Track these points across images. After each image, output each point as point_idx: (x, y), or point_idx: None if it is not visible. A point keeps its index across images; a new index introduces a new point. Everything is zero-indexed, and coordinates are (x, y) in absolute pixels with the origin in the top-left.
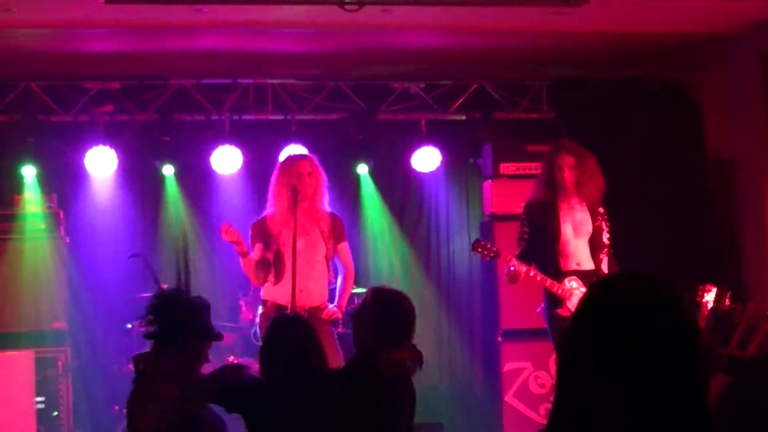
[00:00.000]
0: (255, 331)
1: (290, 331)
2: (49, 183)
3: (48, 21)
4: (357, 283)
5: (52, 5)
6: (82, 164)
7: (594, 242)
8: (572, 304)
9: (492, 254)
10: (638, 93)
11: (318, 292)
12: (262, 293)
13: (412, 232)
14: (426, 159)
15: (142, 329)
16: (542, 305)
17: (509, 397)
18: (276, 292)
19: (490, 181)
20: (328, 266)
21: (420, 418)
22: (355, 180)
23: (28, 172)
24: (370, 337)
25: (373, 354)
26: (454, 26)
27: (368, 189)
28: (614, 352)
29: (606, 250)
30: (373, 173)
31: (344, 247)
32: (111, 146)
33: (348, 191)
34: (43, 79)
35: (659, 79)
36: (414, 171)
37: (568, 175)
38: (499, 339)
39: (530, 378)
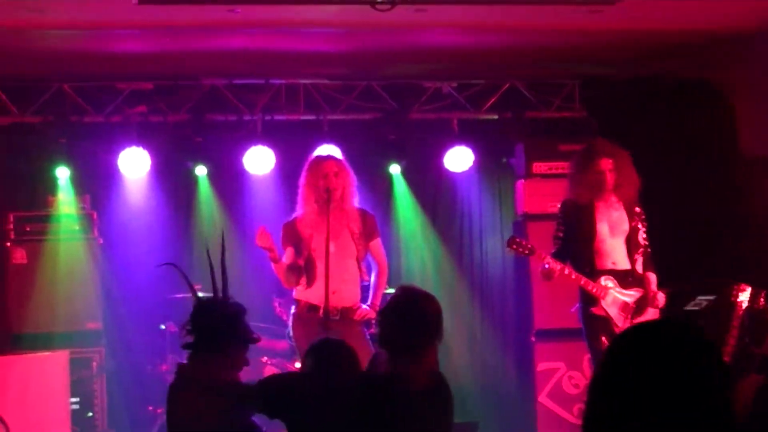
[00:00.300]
0: (288, 332)
1: (325, 352)
2: (82, 184)
3: (80, 22)
4: (389, 283)
5: (84, 6)
6: (115, 165)
7: (630, 242)
8: (607, 303)
9: (527, 251)
10: (671, 91)
11: (350, 293)
12: (294, 293)
13: (445, 232)
14: (458, 159)
15: (182, 339)
16: (577, 305)
17: (543, 398)
18: (309, 293)
19: (522, 180)
20: (359, 267)
21: (454, 417)
22: (388, 180)
23: (62, 174)
24: (393, 337)
25: (403, 362)
26: (487, 25)
27: (401, 189)
28: (641, 395)
29: (642, 250)
30: (406, 173)
31: (377, 243)
32: (144, 147)
33: (380, 191)
34: (75, 80)
35: (693, 76)
36: (446, 171)
37: (609, 178)
38: (533, 339)
39: (564, 378)
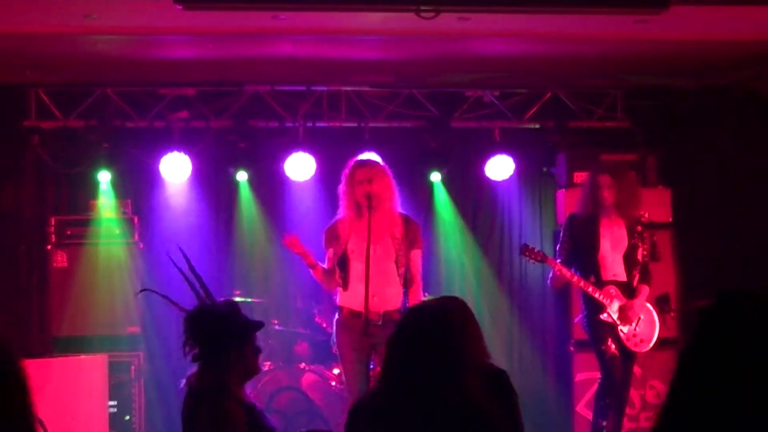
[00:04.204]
0: (332, 338)
1: (423, 322)
2: (123, 188)
3: (127, 27)
4: (429, 291)
5: (132, 12)
6: (157, 170)
7: (628, 259)
8: (612, 310)
9: (539, 258)
10: (719, 103)
11: (392, 297)
12: (337, 300)
13: (485, 241)
14: (499, 167)
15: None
16: (581, 315)
17: (581, 408)
18: (350, 300)
19: (563, 190)
20: (399, 272)
21: None
22: (429, 188)
23: (104, 178)
24: None
25: None
26: (531, 34)
27: (441, 197)
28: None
29: (639, 267)
30: (447, 181)
31: (416, 255)
32: (185, 152)
33: (421, 199)
34: (119, 85)
35: (742, 88)
36: (487, 179)
37: (606, 194)
38: (571, 348)
39: None
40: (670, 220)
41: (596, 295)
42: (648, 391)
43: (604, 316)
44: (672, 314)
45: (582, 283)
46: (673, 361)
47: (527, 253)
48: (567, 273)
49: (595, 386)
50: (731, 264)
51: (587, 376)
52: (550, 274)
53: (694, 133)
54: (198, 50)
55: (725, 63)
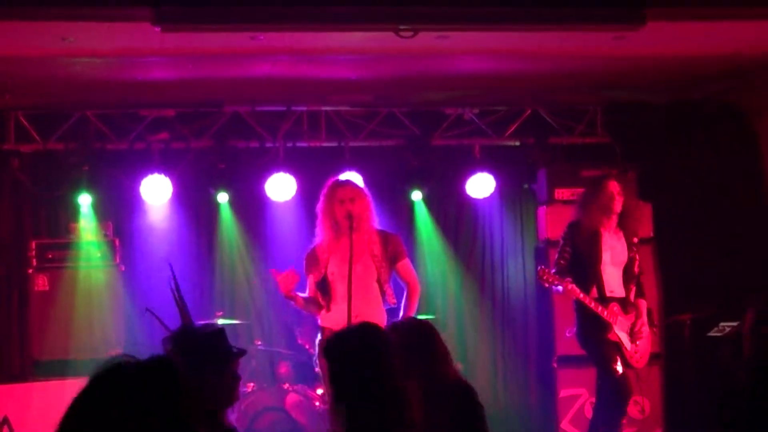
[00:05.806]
0: (315, 359)
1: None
2: (104, 211)
3: (105, 50)
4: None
5: (110, 34)
6: (138, 192)
7: (627, 272)
8: (618, 329)
9: (556, 281)
10: (696, 117)
11: (373, 316)
12: (319, 321)
13: (467, 258)
14: (480, 185)
15: None
16: (574, 329)
17: (565, 424)
18: (332, 319)
19: (544, 206)
20: (382, 289)
21: None
22: (410, 206)
23: (84, 201)
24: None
25: None
26: (509, 51)
27: (422, 215)
28: None
29: (635, 280)
30: (428, 199)
31: (405, 264)
32: (166, 174)
33: (402, 217)
34: (98, 108)
35: (718, 102)
36: (468, 197)
37: (617, 201)
38: (555, 365)
39: (586, 404)
40: (651, 234)
41: (604, 315)
42: (632, 407)
43: (611, 336)
44: (654, 329)
45: (593, 304)
46: (656, 376)
47: (546, 276)
48: (580, 294)
49: (579, 402)
50: (711, 277)
51: (571, 392)
52: (558, 289)
53: (674, 148)
54: (177, 71)
55: (702, 77)
